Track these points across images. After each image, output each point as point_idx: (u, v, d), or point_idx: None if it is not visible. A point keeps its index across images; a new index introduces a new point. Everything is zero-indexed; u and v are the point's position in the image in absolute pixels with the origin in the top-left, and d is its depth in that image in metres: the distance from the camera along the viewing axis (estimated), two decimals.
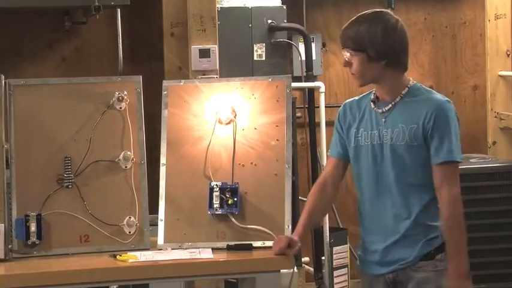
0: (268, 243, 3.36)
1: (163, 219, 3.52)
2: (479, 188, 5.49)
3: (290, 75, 3.81)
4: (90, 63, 5.76)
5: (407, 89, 3.18)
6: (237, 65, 5.37)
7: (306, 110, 5.92)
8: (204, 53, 5.21)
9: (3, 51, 5.61)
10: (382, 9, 3.29)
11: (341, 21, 6.30)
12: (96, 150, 3.54)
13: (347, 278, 5.72)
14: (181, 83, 3.71)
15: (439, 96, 3.18)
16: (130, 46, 5.77)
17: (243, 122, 3.55)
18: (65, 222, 3.48)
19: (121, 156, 3.54)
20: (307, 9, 6.18)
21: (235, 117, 3.55)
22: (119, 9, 5.38)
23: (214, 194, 3.45)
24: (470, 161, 5.74)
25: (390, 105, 3.17)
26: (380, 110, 3.19)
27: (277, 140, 3.51)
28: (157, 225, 3.52)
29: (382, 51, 3.12)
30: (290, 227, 3.41)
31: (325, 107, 5.74)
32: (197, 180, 3.52)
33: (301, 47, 5.88)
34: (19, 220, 3.43)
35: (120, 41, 5.43)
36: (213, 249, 3.40)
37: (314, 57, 5.89)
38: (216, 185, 3.46)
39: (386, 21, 3.17)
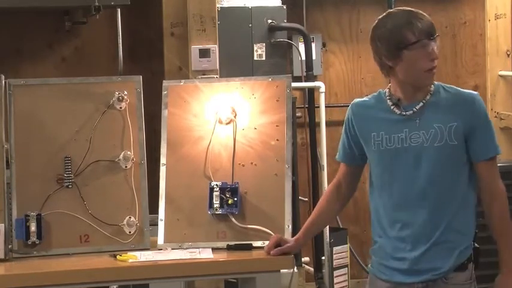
0: None
1: (163, 219, 3.52)
2: None
3: (290, 75, 3.81)
4: (90, 63, 5.76)
5: (433, 86, 3.06)
6: (237, 65, 5.38)
7: (306, 109, 5.92)
8: (204, 53, 5.21)
9: (3, 51, 5.61)
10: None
11: (341, 22, 6.32)
12: (96, 150, 3.54)
13: (347, 278, 5.72)
14: (182, 83, 3.70)
15: (466, 90, 3.11)
16: (131, 46, 5.77)
17: (243, 122, 3.54)
18: (65, 222, 3.47)
19: (121, 156, 3.54)
20: (307, 9, 6.18)
21: (235, 117, 3.54)
22: (119, 9, 5.39)
23: (214, 193, 3.45)
24: None
25: (421, 104, 3.04)
26: (410, 112, 3.04)
27: (277, 140, 3.51)
28: (157, 225, 3.52)
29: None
30: (290, 227, 3.41)
31: (325, 107, 5.74)
32: (197, 180, 3.52)
33: (301, 47, 5.88)
34: (19, 220, 3.43)
35: (120, 41, 5.43)
36: (213, 249, 3.39)
37: (314, 57, 5.89)
38: (216, 184, 3.46)
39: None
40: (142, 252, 3.40)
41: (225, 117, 3.55)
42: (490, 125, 3.08)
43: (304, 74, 5.84)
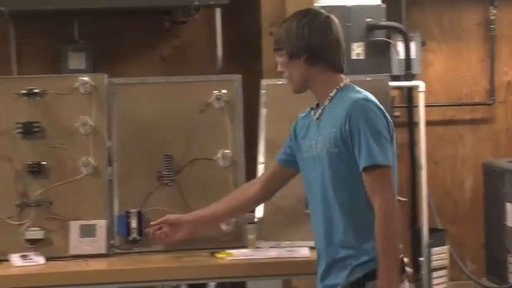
0: None
1: (261, 217, 3.53)
2: None
3: (388, 74, 3.77)
4: (189, 63, 5.82)
5: (335, 90, 2.92)
6: None
7: (405, 109, 5.85)
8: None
9: (106, 51, 5.72)
10: (311, 7, 3.10)
11: (441, 20, 6.24)
12: (195, 148, 3.58)
13: (446, 280, 5.64)
14: (280, 82, 3.71)
15: (357, 94, 2.88)
16: (229, 45, 5.81)
17: None
18: None
19: (219, 155, 3.57)
20: (406, 7, 6.11)
21: None
22: (218, 9, 5.43)
23: None
24: None
25: (320, 110, 2.94)
26: (315, 117, 2.97)
27: None
28: (255, 223, 3.53)
29: (297, 45, 2.92)
30: None
31: (425, 106, 5.67)
32: (295, 179, 3.51)
33: (400, 46, 5.82)
34: (120, 217, 3.49)
35: (218, 40, 5.48)
36: (311, 248, 3.38)
37: (413, 56, 5.82)
38: None
39: (303, 16, 2.95)
40: (240, 250, 3.42)
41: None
42: (366, 132, 2.79)
43: (403, 73, 5.77)
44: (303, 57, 2.93)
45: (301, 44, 2.92)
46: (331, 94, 2.93)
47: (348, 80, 2.98)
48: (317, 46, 2.92)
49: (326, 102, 2.94)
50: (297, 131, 3.07)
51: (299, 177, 3.47)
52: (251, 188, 3.23)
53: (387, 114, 2.89)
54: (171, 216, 3.24)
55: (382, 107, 2.88)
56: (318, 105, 3.00)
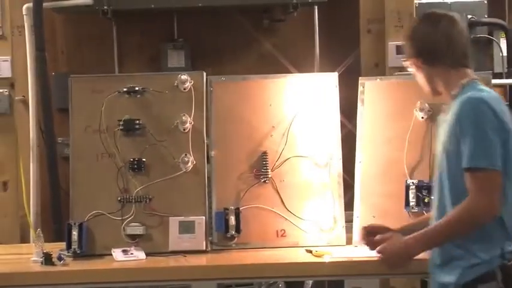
0: None
1: (359, 216, 3.52)
2: None
3: (490, 71, 3.71)
4: (287, 60, 5.82)
5: (458, 89, 2.94)
6: None
7: (508, 107, 5.73)
8: (402, 50, 5.14)
9: (205, 49, 5.77)
10: (434, 10, 3.16)
11: None
12: (292, 145, 3.58)
13: None
14: (378, 80, 3.68)
15: (473, 93, 2.87)
16: (327, 43, 5.79)
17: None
18: (262, 217, 3.54)
19: (316, 153, 3.56)
20: (509, 3, 5.98)
21: (432, 114, 3.48)
22: (316, 7, 5.42)
23: (411, 191, 3.42)
24: None
25: (448, 109, 2.96)
26: (444, 116, 2.99)
27: None
28: (353, 221, 3.51)
29: (414, 50, 3.02)
30: None
31: None
32: (393, 177, 3.49)
33: (503, 43, 5.70)
34: (219, 213, 3.52)
35: (316, 38, 5.47)
36: None
37: None
38: (413, 182, 3.42)
39: (415, 22, 3.09)
40: (338, 249, 3.40)
41: (423, 114, 3.50)
42: (469, 133, 2.79)
43: (506, 70, 5.65)
44: (421, 59, 3.01)
45: (417, 48, 3.02)
46: (453, 93, 2.95)
47: (474, 75, 3.00)
48: (429, 46, 2.99)
49: (451, 100, 2.96)
50: (438, 132, 3.09)
51: (396, 179, 3.46)
52: None
53: (502, 116, 2.84)
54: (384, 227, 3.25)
55: (499, 107, 2.85)
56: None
